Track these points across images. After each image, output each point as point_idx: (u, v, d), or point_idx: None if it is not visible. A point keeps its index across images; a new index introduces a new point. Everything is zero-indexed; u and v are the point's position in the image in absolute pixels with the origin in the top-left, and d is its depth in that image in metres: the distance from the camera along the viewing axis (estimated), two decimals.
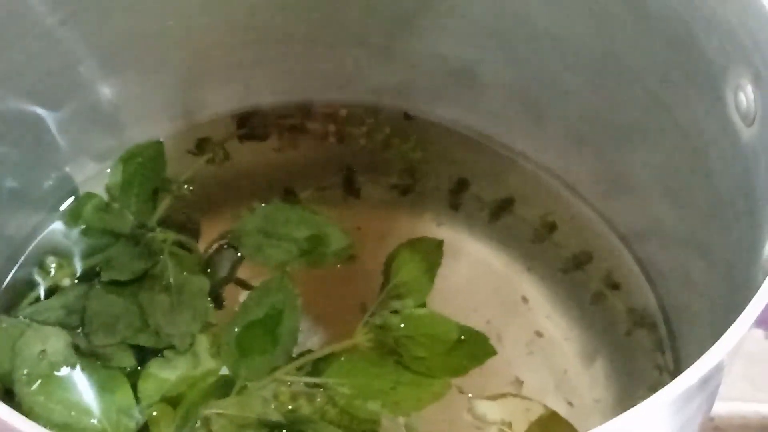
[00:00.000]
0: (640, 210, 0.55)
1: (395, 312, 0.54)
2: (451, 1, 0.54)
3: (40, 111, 0.54)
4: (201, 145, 0.61)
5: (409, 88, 0.60)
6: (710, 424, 0.52)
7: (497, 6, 0.53)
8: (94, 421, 0.51)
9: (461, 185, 0.60)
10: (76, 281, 0.56)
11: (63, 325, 0.53)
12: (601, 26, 0.50)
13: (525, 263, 0.58)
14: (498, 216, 0.59)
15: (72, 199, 0.58)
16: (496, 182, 0.60)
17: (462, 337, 0.54)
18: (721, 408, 0.51)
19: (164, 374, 0.52)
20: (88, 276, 0.56)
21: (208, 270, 0.56)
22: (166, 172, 0.59)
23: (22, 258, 0.57)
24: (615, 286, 0.57)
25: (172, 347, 0.53)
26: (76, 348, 0.53)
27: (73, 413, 0.51)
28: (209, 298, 0.55)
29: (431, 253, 0.57)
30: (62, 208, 0.58)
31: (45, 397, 0.51)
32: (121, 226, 0.57)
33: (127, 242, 0.57)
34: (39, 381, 0.51)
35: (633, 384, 0.54)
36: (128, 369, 0.53)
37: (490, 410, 0.53)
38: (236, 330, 0.53)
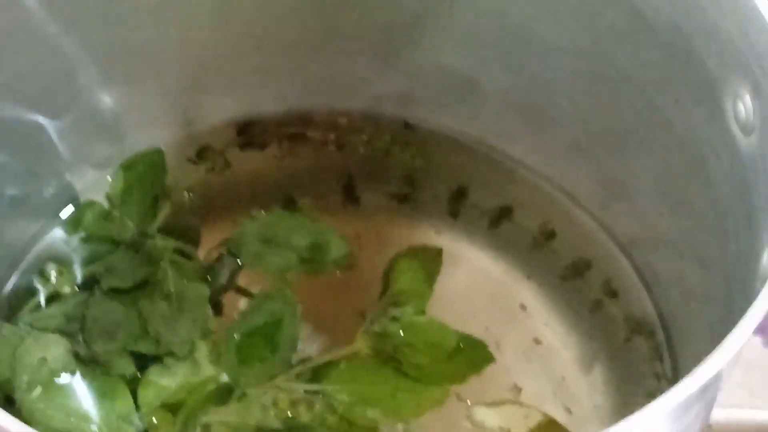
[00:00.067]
0: (639, 218, 0.55)
1: (394, 319, 0.54)
2: (451, 11, 0.54)
3: (41, 119, 0.54)
4: (201, 154, 0.61)
5: (408, 97, 0.60)
6: (707, 431, 0.52)
7: (497, 16, 0.53)
8: (94, 427, 0.51)
9: (460, 193, 0.60)
10: (77, 288, 0.56)
11: (63, 333, 0.53)
12: (600, 37, 0.50)
13: (524, 271, 0.58)
14: (497, 224, 0.60)
15: (72, 206, 0.58)
16: (495, 190, 0.60)
17: (461, 345, 0.54)
18: (719, 415, 0.51)
19: (164, 381, 0.52)
20: (89, 283, 0.56)
21: (208, 277, 0.57)
22: (167, 179, 0.59)
23: (23, 265, 0.57)
24: (613, 294, 0.57)
25: (172, 354, 0.53)
26: (76, 355, 0.53)
27: (73, 420, 0.51)
28: (209, 306, 0.55)
29: (430, 260, 0.57)
30: (63, 215, 0.58)
31: (45, 404, 0.51)
32: (121, 234, 0.57)
33: (127, 250, 0.57)
34: (39, 388, 0.51)
35: (631, 391, 0.54)
36: (128, 376, 0.53)
37: (489, 417, 0.53)
38: (236, 337, 0.53)
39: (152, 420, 0.52)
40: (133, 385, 0.52)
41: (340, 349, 0.54)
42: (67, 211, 0.58)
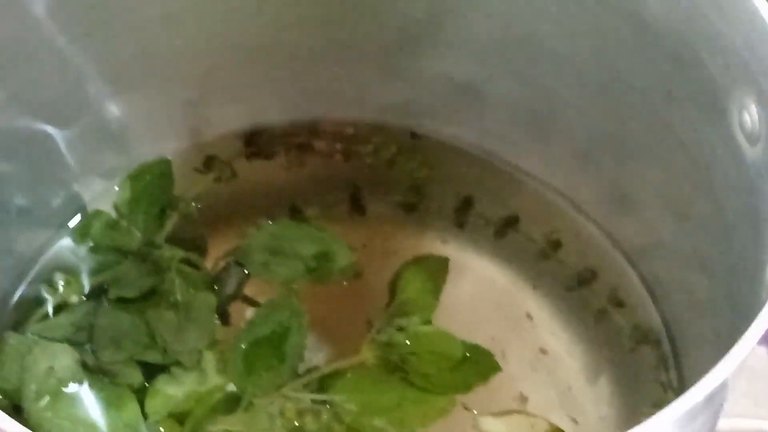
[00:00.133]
0: (645, 228, 0.55)
1: (401, 329, 0.54)
2: (456, 21, 0.54)
3: (49, 129, 0.54)
4: (208, 163, 0.61)
5: (415, 106, 0.60)
6: None
7: (503, 26, 0.53)
8: None
9: (467, 203, 0.60)
10: (84, 298, 0.56)
11: (71, 342, 0.53)
12: (606, 46, 0.50)
13: (530, 280, 0.58)
14: (503, 234, 0.60)
15: (80, 216, 0.58)
16: (501, 200, 0.60)
17: (467, 354, 0.54)
18: (724, 424, 0.51)
19: (171, 391, 0.52)
20: (96, 293, 0.56)
21: (215, 287, 0.57)
22: (174, 189, 0.59)
23: (31, 275, 0.57)
24: (619, 304, 0.57)
25: (179, 364, 0.53)
26: (84, 365, 0.53)
27: (81, 429, 0.51)
28: (216, 315, 0.55)
29: (437, 270, 0.57)
30: (70, 225, 0.58)
31: (53, 414, 0.51)
32: (129, 244, 0.57)
33: (134, 259, 0.57)
34: (47, 397, 0.52)
35: (637, 401, 0.54)
36: (136, 385, 0.53)
37: (495, 427, 0.53)
38: (243, 347, 0.53)
39: (160, 429, 0.52)
40: (141, 395, 0.52)
41: (347, 358, 0.54)
42: (75, 221, 0.58)
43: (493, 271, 0.59)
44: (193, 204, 0.59)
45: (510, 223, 0.60)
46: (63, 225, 0.58)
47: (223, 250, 0.58)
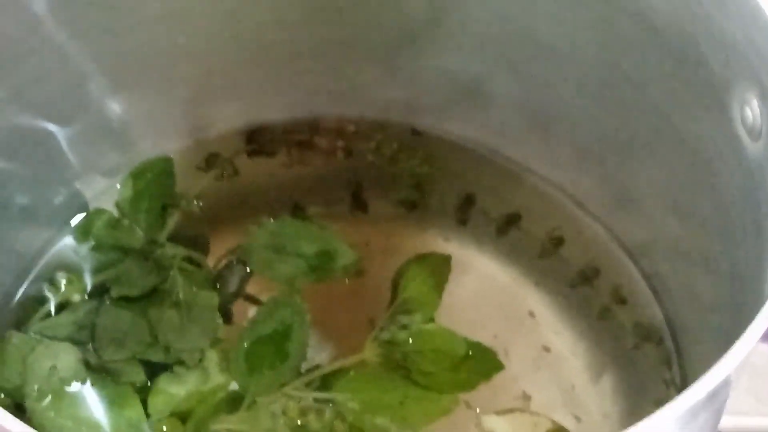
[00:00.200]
0: (647, 224, 0.55)
1: (403, 327, 0.54)
2: (457, 18, 0.54)
3: (51, 127, 0.54)
4: (210, 161, 0.61)
5: (416, 103, 0.60)
6: None
7: (504, 22, 0.53)
8: None
9: (468, 200, 0.60)
10: (86, 297, 0.56)
11: (73, 341, 0.54)
12: (607, 42, 0.50)
13: (532, 278, 0.58)
14: (505, 231, 0.60)
15: (82, 214, 0.58)
16: (503, 197, 0.60)
17: (470, 352, 0.54)
18: (726, 422, 0.51)
19: (174, 389, 0.52)
20: (98, 291, 0.56)
21: (218, 285, 0.57)
22: (176, 187, 0.59)
23: (33, 274, 0.57)
24: (622, 301, 0.57)
25: (181, 362, 0.53)
26: (87, 363, 0.53)
27: (83, 428, 0.51)
28: (218, 314, 0.55)
29: (439, 268, 0.57)
30: (72, 223, 0.58)
31: (55, 413, 0.51)
32: (130, 242, 0.57)
33: (136, 258, 0.57)
34: (49, 396, 0.52)
35: (641, 399, 0.54)
36: (138, 384, 0.53)
37: (498, 425, 0.53)
38: (245, 345, 0.53)
39: (162, 428, 0.52)
40: (143, 394, 0.52)
41: (350, 357, 0.54)
42: (77, 220, 0.58)
43: (495, 268, 0.59)
44: (195, 202, 0.59)
45: (512, 220, 0.60)
46: (65, 223, 0.58)
47: (225, 248, 0.58)
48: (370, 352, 0.54)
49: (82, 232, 0.58)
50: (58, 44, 0.51)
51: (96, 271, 0.57)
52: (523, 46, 0.54)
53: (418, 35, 0.56)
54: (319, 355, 0.54)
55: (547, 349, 0.56)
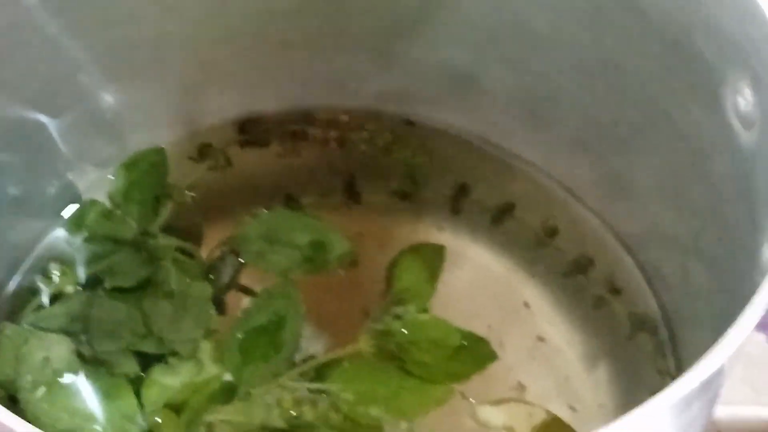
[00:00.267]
0: (641, 214, 0.55)
1: (397, 317, 0.54)
2: (451, 7, 0.54)
3: (42, 118, 0.54)
4: (203, 152, 0.61)
5: (409, 94, 0.60)
6: (712, 428, 0.52)
7: (497, 12, 0.53)
8: (98, 427, 0.51)
9: (462, 190, 0.60)
10: (80, 288, 0.56)
11: (66, 332, 0.53)
12: (600, 32, 0.50)
13: (527, 268, 0.58)
14: (499, 221, 0.59)
15: (75, 206, 0.58)
16: (497, 187, 0.60)
17: (464, 343, 0.54)
18: (722, 412, 0.51)
19: (167, 381, 0.52)
20: (92, 283, 0.56)
21: (211, 276, 0.57)
22: (168, 178, 0.59)
23: (25, 265, 0.57)
24: (616, 291, 0.57)
25: (175, 354, 0.53)
26: (80, 355, 0.53)
27: (77, 420, 0.51)
28: (212, 305, 0.55)
29: (433, 258, 0.57)
30: (65, 215, 0.58)
31: (49, 404, 0.51)
32: (123, 233, 0.57)
33: (129, 249, 0.57)
34: (43, 388, 0.51)
35: (636, 388, 0.54)
36: (132, 375, 0.53)
37: (493, 415, 0.53)
38: (239, 336, 0.53)
39: (156, 419, 0.52)
40: (137, 385, 0.52)
41: (344, 347, 0.54)
42: (70, 211, 0.58)
43: (489, 258, 0.59)
44: (188, 193, 0.59)
45: (506, 210, 0.60)
46: (57, 215, 0.58)
47: (219, 239, 0.58)
48: (364, 343, 0.54)
49: (75, 224, 0.58)
50: (50, 35, 0.51)
51: (89, 262, 0.57)
52: (516, 36, 0.54)
53: (411, 25, 0.56)
54: (313, 345, 0.54)
55: (541, 339, 0.56)
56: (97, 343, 0.53)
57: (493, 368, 0.54)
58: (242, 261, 0.57)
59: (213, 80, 0.59)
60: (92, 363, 0.53)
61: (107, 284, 0.55)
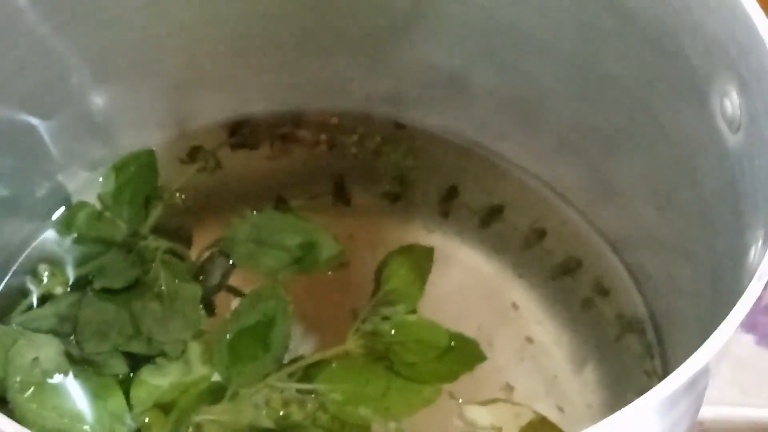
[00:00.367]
0: (628, 216, 0.55)
1: (386, 318, 0.55)
2: (441, 11, 0.54)
3: (32, 120, 0.54)
4: (193, 154, 0.61)
5: (399, 96, 0.60)
6: (699, 429, 0.52)
7: (487, 16, 0.53)
8: (87, 427, 0.51)
9: (451, 193, 0.60)
10: (69, 289, 0.56)
11: (56, 333, 0.53)
12: (588, 36, 0.50)
13: (515, 270, 0.58)
14: (488, 223, 0.60)
15: (64, 207, 0.58)
16: (485, 189, 0.60)
17: (452, 344, 0.54)
18: (710, 412, 0.51)
19: (156, 381, 0.52)
20: (81, 284, 0.56)
21: (200, 277, 0.57)
22: (158, 180, 0.59)
23: (15, 266, 0.57)
24: (604, 292, 0.57)
25: (164, 354, 0.53)
26: (69, 355, 0.53)
27: (66, 420, 0.51)
28: (201, 306, 0.55)
29: (422, 260, 0.57)
30: (55, 216, 0.58)
31: (38, 405, 0.51)
32: (113, 235, 0.57)
33: (119, 250, 0.57)
34: (32, 388, 0.51)
35: (623, 389, 0.54)
36: (121, 376, 0.53)
37: (481, 416, 0.53)
38: (228, 337, 0.53)
39: (145, 420, 0.52)
40: (126, 385, 0.52)
41: (332, 348, 0.54)
42: (59, 213, 0.58)
43: (478, 260, 0.59)
44: (178, 195, 0.59)
45: (495, 212, 0.60)
46: (47, 216, 0.58)
47: (208, 240, 0.58)
48: (352, 344, 0.54)
49: (65, 225, 0.58)
50: (40, 36, 0.51)
51: (79, 263, 0.57)
52: (506, 39, 0.54)
53: (401, 28, 0.56)
54: (302, 346, 0.54)
55: (530, 340, 0.57)
56: (86, 343, 0.53)
57: (481, 369, 0.54)
58: (232, 262, 0.57)
59: (203, 82, 0.59)
60: (81, 363, 0.53)
61: (96, 285, 0.55)
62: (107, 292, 0.55)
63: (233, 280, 0.57)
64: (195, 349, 0.53)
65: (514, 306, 0.58)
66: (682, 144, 0.48)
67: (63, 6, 0.51)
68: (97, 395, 0.52)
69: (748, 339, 0.58)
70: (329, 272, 0.57)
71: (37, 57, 0.51)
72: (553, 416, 0.54)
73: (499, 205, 0.60)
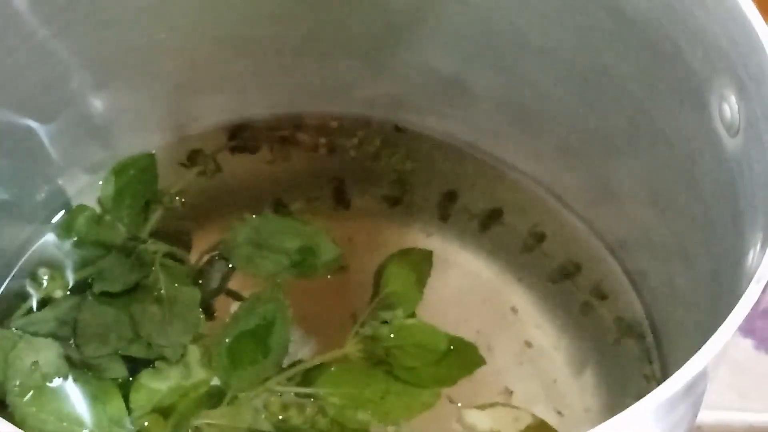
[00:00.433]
0: (627, 220, 0.55)
1: (385, 322, 0.55)
2: (441, 15, 0.54)
3: (32, 123, 0.54)
4: (192, 157, 0.61)
5: (399, 100, 0.60)
6: None
7: (486, 19, 0.53)
8: (86, 431, 0.51)
9: (451, 196, 0.60)
10: (69, 293, 0.56)
11: (55, 337, 0.54)
12: (588, 39, 0.50)
13: (514, 273, 0.58)
14: (487, 227, 0.60)
15: (64, 211, 0.58)
16: (485, 193, 0.60)
17: (452, 347, 0.54)
18: (708, 417, 0.51)
19: (156, 385, 0.52)
20: (81, 287, 0.56)
21: (200, 281, 0.57)
22: (158, 184, 0.59)
23: (15, 270, 0.57)
24: (603, 296, 0.57)
25: (163, 358, 0.53)
26: (69, 359, 0.53)
27: (65, 424, 0.51)
28: (200, 309, 0.55)
29: (421, 263, 0.57)
30: (54, 220, 0.58)
31: (37, 408, 0.51)
32: (113, 238, 0.57)
33: (119, 254, 0.57)
34: (31, 392, 0.52)
35: (622, 393, 0.54)
36: (120, 380, 0.53)
37: (480, 420, 0.53)
38: (227, 341, 0.53)
39: (144, 423, 0.52)
40: (125, 389, 0.53)
41: (331, 352, 0.54)
42: (59, 216, 0.58)
43: (477, 264, 0.59)
44: (178, 198, 0.59)
45: (494, 216, 0.60)
46: (47, 220, 0.58)
47: (208, 244, 0.58)
48: (351, 347, 0.54)
49: (65, 228, 0.58)
50: (40, 39, 0.51)
51: (78, 267, 0.57)
52: (506, 43, 0.54)
53: (400, 32, 0.56)
54: (301, 350, 0.54)
55: (529, 344, 0.57)
56: (86, 347, 0.53)
57: (481, 373, 0.54)
58: (231, 266, 0.57)
59: (203, 86, 0.59)
60: (81, 367, 0.53)
61: (96, 289, 0.55)
62: (107, 296, 0.55)
63: (232, 284, 0.57)
64: (194, 352, 0.53)
65: (513, 310, 0.58)
66: (681, 147, 0.48)
67: (63, 9, 0.51)
68: (96, 399, 0.52)
69: (747, 343, 0.58)
70: (328, 276, 0.57)
71: (37, 60, 0.52)
72: (552, 420, 0.54)
73: (498, 208, 0.60)
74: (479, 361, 0.54)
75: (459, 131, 0.60)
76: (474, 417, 0.53)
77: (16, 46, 0.50)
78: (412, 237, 0.59)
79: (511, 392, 0.54)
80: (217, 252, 0.58)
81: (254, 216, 0.58)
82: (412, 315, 0.55)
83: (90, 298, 0.55)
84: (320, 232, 0.58)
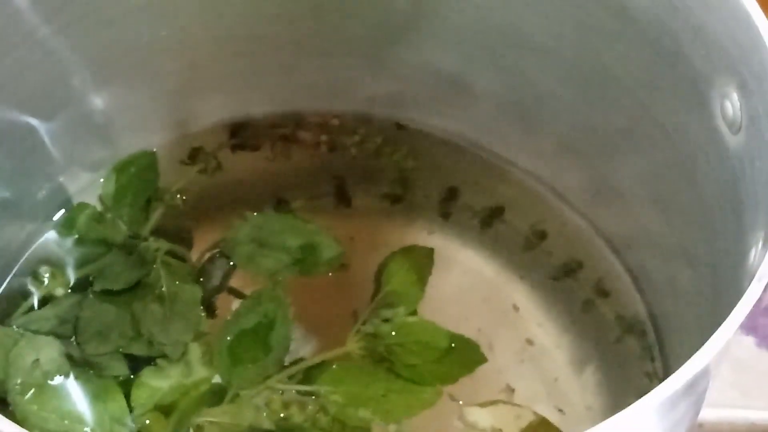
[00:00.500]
0: (629, 218, 0.55)
1: (386, 320, 0.55)
2: (442, 12, 0.54)
3: (33, 121, 0.54)
4: (193, 155, 0.61)
5: (400, 98, 0.60)
6: (699, 431, 0.52)
7: (488, 17, 0.53)
8: (88, 429, 0.51)
9: (452, 194, 0.60)
10: (70, 291, 0.56)
11: (56, 335, 0.53)
12: (589, 37, 0.50)
13: (516, 271, 0.58)
14: (489, 224, 0.60)
15: (65, 209, 0.58)
16: (486, 191, 0.60)
17: (453, 345, 0.54)
18: (711, 414, 0.51)
19: (157, 383, 0.52)
20: (82, 285, 0.56)
21: (201, 279, 0.57)
22: (159, 181, 0.59)
23: (16, 268, 0.57)
24: (604, 294, 0.57)
25: (164, 356, 0.53)
26: (70, 357, 0.53)
27: (66, 422, 0.51)
28: (202, 307, 0.55)
29: (422, 261, 0.57)
30: (56, 218, 0.58)
31: (39, 406, 0.51)
32: (114, 236, 0.57)
33: (120, 252, 0.57)
34: (32, 390, 0.52)
35: (624, 391, 0.54)
36: (121, 378, 0.53)
37: (481, 417, 0.53)
38: (228, 338, 0.53)
39: (145, 421, 0.52)
40: (126, 387, 0.52)
41: (333, 350, 0.54)
42: (60, 214, 0.58)
43: (479, 261, 0.59)
44: (179, 196, 0.59)
45: (495, 213, 0.60)
46: (48, 218, 0.58)
47: (209, 242, 0.58)
48: (353, 345, 0.54)
49: (66, 226, 0.58)
50: (40, 38, 0.51)
51: (79, 265, 0.57)
52: (507, 41, 0.54)
53: (401, 30, 0.56)
54: (302, 348, 0.54)
55: (530, 342, 0.57)
56: (87, 345, 0.53)
57: (482, 370, 0.54)
58: (232, 264, 0.57)
59: (204, 84, 0.59)
60: (82, 365, 0.53)
61: (97, 287, 0.55)
62: (108, 294, 0.55)
63: (234, 282, 0.57)
64: (195, 350, 0.53)
65: (515, 308, 0.58)
66: (683, 145, 0.48)
67: (63, 7, 0.51)
68: (97, 397, 0.52)
69: (749, 341, 0.58)
70: (330, 274, 0.57)
71: (38, 59, 0.52)
72: (553, 418, 0.54)
73: (499, 206, 0.60)
74: (481, 359, 0.54)
75: (460, 129, 0.60)
76: (475, 415, 0.53)
77: (18, 44, 0.50)
78: (413, 235, 0.59)
79: (513, 390, 0.54)
80: (218, 250, 0.58)
81: (255, 214, 0.58)
82: (414, 313, 0.55)
83: (91, 296, 0.55)
84: (321, 230, 0.58)
